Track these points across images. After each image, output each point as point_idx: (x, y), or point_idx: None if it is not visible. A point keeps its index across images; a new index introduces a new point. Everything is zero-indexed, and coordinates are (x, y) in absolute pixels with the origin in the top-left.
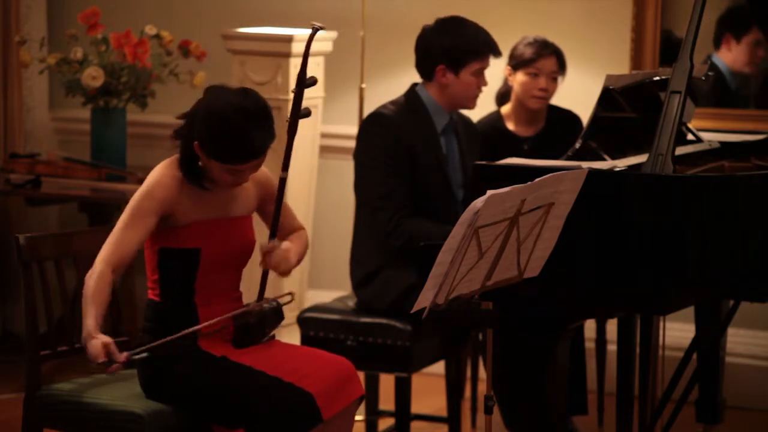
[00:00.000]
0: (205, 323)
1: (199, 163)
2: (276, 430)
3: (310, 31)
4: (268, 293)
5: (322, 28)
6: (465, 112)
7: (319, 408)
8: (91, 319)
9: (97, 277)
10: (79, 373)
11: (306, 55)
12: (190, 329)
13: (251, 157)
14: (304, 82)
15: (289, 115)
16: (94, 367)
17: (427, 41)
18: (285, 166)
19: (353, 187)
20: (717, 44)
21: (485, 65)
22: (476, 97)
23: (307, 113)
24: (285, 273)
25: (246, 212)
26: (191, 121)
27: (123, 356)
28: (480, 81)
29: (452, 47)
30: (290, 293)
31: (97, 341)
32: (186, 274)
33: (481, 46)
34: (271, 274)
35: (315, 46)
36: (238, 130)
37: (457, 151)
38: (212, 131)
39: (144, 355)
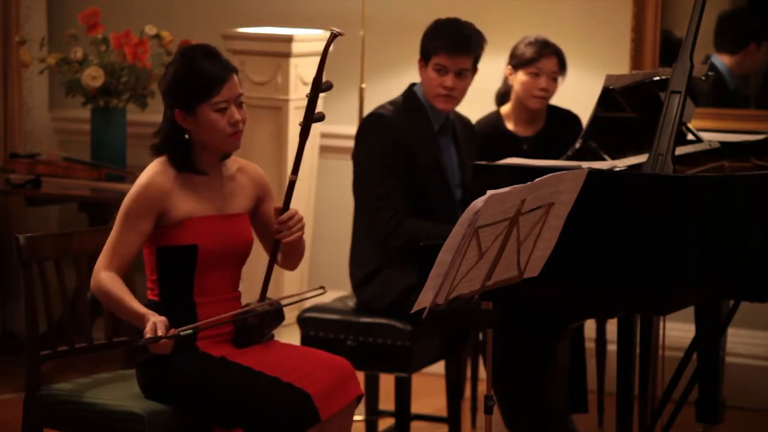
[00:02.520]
0: (247, 306)
1: (186, 137)
2: (274, 430)
3: (310, 31)
4: (272, 293)
5: (341, 34)
6: (464, 112)
7: (317, 408)
8: (135, 304)
9: (108, 278)
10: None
11: (323, 60)
12: (234, 312)
13: (221, 78)
14: (320, 86)
15: (293, 117)
16: (142, 343)
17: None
18: (295, 169)
19: (352, 187)
20: (735, 50)
21: (445, 62)
22: (440, 96)
23: (320, 117)
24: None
25: (242, 210)
26: (164, 111)
27: (169, 332)
28: (443, 80)
29: (423, 40)
30: (322, 287)
31: (151, 320)
32: (184, 273)
33: (441, 41)
34: (274, 275)
35: (315, 47)
36: (193, 65)
37: (455, 151)
38: (177, 87)
39: (190, 331)
